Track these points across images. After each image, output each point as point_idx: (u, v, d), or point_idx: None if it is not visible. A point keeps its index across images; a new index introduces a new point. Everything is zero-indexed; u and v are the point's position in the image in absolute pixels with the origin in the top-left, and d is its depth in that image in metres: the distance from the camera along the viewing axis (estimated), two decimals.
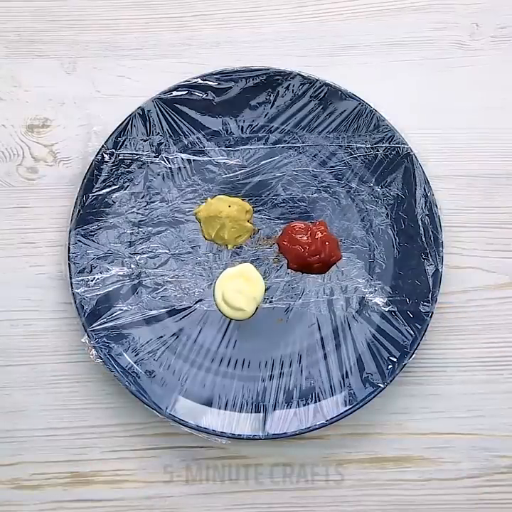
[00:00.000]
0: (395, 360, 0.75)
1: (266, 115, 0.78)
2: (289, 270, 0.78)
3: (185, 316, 0.77)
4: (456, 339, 0.78)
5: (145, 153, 0.77)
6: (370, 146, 0.77)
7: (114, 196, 0.77)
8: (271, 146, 0.78)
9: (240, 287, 0.76)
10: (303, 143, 0.78)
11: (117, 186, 0.77)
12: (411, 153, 0.76)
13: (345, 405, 0.75)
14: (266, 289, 0.77)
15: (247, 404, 0.76)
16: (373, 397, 0.75)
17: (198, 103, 0.77)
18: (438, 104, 0.80)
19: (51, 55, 0.79)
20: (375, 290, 0.77)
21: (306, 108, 0.77)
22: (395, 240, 0.77)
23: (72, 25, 0.80)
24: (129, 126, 0.76)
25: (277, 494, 0.77)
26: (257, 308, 0.77)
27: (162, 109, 0.77)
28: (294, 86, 0.77)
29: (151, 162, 0.77)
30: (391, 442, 0.78)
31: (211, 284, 0.77)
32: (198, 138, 0.78)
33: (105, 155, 0.76)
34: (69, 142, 0.79)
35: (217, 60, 0.79)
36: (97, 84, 0.79)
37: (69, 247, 0.75)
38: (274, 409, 0.75)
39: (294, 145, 0.78)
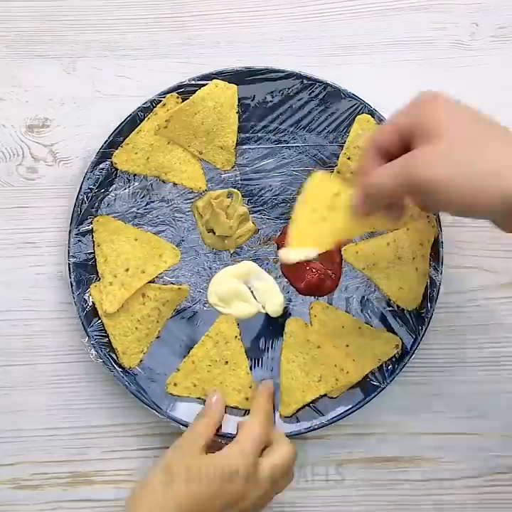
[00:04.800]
0: (395, 360, 0.75)
1: (266, 115, 0.78)
2: None
3: (185, 316, 0.77)
4: (456, 339, 0.78)
5: None
6: None
7: (114, 196, 0.77)
8: (271, 146, 0.78)
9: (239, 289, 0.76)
10: (303, 143, 0.78)
11: (117, 186, 0.77)
12: None
13: (346, 405, 0.75)
14: None
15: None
16: (373, 397, 0.75)
17: None
18: None
19: (51, 55, 0.79)
20: (375, 290, 0.77)
21: (306, 108, 0.77)
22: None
23: (72, 25, 0.80)
24: (129, 126, 0.76)
25: (277, 494, 0.77)
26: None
27: None
28: (294, 86, 0.77)
29: None
30: (391, 442, 0.78)
31: None
32: None
33: (105, 155, 0.76)
34: (69, 142, 0.79)
35: (217, 60, 0.79)
36: (97, 84, 0.79)
37: (69, 247, 0.75)
38: (274, 410, 0.75)
39: (294, 145, 0.78)
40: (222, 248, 0.77)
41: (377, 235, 0.76)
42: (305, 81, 0.77)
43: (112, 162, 0.76)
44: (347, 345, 0.75)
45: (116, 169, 0.76)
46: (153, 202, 0.77)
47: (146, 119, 0.76)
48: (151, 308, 0.75)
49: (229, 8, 0.80)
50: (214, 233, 0.76)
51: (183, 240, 0.77)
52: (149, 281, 0.75)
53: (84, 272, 0.75)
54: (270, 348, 0.76)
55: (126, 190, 0.77)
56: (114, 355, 0.75)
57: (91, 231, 0.75)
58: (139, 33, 0.80)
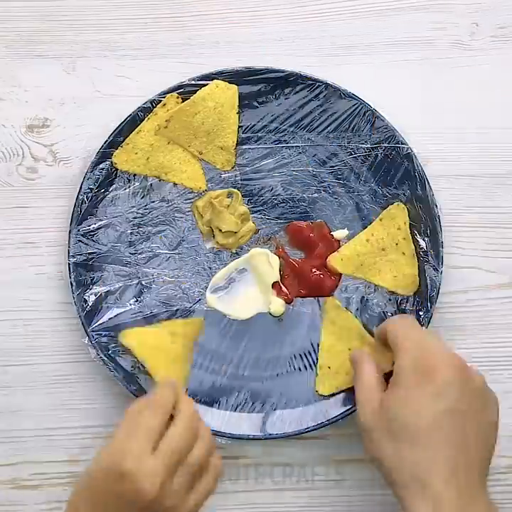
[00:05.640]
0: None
1: (266, 115, 0.78)
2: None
3: (185, 316, 0.77)
4: (456, 339, 0.78)
5: None
6: (370, 146, 0.77)
7: (114, 196, 0.77)
8: (271, 146, 0.78)
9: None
10: (303, 143, 0.78)
11: (117, 186, 0.77)
12: (411, 153, 0.76)
13: (345, 405, 0.75)
14: None
15: (247, 404, 0.76)
16: None
17: None
18: (438, 104, 0.80)
19: (51, 55, 0.79)
20: (375, 290, 0.77)
21: (306, 108, 0.77)
22: None
23: (71, 25, 0.80)
24: (129, 126, 0.76)
25: (277, 494, 0.77)
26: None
27: None
28: (294, 86, 0.77)
29: None
30: None
31: None
32: None
33: (105, 155, 0.76)
34: (69, 142, 0.79)
35: (217, 60, 0.79)
36: (97, 84, 0.79)
37: (69, 247, 0.75)
38: (274, 409, 0.75)
39: (294, 145, 0.78)
40: (231, 246, 0.77)
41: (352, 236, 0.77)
42: (305, 81, 0.77)
43: (111, 162, 0.76)
44: (349, 349, 0.75)
45: (116, 169, 0.76)
46: (153, 202, 0.77)
47: (146, 119, 0.76)
48: (182, 345, 0.75)
49: (229, 8, 0.80)
50: (220, 231, 0.76)
51: (183, 240, 0.77)
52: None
53: (84, 271, 0.75)
54: (270, 348, 0.77)
55: (126, 190, 0.77)
56: (114, 355, 0.75)
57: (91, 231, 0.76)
58: (138, 33, 0.80)
